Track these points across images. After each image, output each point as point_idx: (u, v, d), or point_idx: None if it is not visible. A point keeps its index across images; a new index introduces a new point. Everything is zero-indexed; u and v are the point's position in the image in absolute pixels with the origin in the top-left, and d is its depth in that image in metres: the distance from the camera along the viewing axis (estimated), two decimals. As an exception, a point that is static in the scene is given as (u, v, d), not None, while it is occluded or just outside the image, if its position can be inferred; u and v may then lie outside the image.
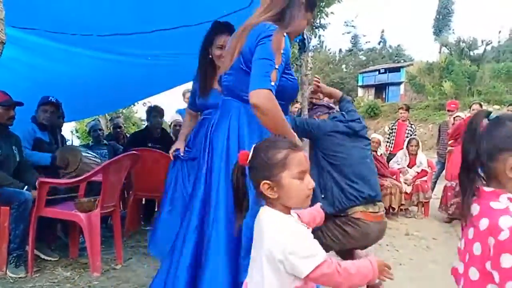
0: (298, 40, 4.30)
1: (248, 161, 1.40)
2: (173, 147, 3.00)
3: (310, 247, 1.29)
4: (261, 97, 1.68)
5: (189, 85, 6.22)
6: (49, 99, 4.03)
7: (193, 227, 1.97)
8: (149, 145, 4.75)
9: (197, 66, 2.93)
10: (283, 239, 1.29)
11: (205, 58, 2.84)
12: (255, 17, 1.92)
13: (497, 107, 17.83)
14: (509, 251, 1.10)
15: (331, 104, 3.11)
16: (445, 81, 22.78)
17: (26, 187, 3.30)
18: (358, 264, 1.33)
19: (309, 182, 1.38)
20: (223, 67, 2.05)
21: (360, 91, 37.35)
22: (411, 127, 7.33)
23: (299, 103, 7.77)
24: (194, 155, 2.84)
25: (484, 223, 1.18)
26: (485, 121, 1.27)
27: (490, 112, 1.29)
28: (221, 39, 2.75)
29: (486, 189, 1.24)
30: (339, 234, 2.64)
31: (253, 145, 1.44)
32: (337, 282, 1.28)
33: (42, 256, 3.50)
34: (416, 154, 6.49)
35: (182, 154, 2.93)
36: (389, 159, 6.82)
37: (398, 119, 7.54)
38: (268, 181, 1.36)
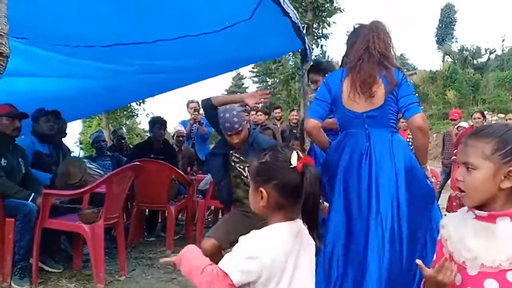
0: (300, 50, 4.33)
1: None
2: None
3: None
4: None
5: (190, 91, 6.26)
6: (46, 109, 3.96)
7: None
8: (152, 156, 4.75)
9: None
10: None
11: None
12: None
13: (501, 115, 17.73)
14: None
15: None
16: (449, 90, 22.67)
17: (32, 195, 3.30)
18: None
19: None
20: None
21: (364, 101, 37.21)
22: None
23: (295, 110, 7.77)
24: None
25: None
26: None
27: None
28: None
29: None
30: None
31: None
32: None
33: (46, 268, 3.51)
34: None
35: None
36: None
37: (400, 127, 7.49)
38: None
